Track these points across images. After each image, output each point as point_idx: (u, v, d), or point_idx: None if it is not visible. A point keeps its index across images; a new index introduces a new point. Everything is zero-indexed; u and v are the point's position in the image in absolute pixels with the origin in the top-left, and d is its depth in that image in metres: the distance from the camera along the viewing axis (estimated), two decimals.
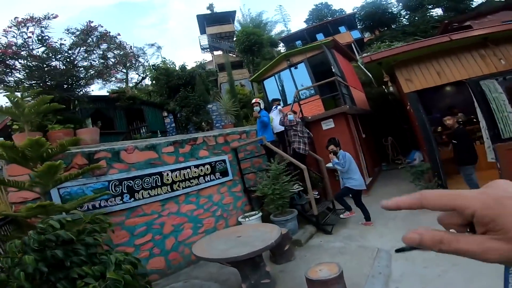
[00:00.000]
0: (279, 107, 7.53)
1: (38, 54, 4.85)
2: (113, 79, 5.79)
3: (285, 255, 3.97)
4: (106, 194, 3.84)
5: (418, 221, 4.51)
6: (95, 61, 5.36)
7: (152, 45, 14.54)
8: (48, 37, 4.83)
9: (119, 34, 5.49)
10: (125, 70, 6.22)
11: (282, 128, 7.21)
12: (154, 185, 4.60)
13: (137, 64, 6.57)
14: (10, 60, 4.60)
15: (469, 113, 7.01)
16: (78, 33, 5.11)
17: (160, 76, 8.63)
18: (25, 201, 3.50)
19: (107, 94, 9.37)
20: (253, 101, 6.29)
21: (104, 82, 6.20)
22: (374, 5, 20.69)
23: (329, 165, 5.60)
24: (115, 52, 5.56)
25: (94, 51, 5.35)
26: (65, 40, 5.06)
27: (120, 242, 4.07)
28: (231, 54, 19.05)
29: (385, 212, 5.38)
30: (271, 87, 9.78)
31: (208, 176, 5.44)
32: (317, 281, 2.51)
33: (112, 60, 5.56)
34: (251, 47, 15.93)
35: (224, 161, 5.84)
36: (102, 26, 5.35)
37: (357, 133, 8.53)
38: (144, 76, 11.91)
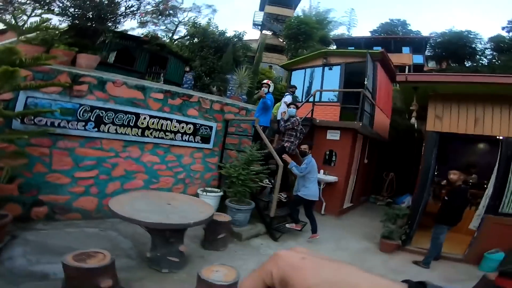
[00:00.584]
0: (287, 97, 7.03)
1: None
2: (147, 21, 5.67)
3: (215, 243, 3.81)
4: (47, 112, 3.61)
5: (362, 260, 4.29)
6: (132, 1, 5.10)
7: (210, 6, 14.08)
8: None
9: None
10: (160, 17, 6.05)
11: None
12: (126, 124, 4.40)
13: (172, 15, 6.32)
14: None
15: (484, 177, 6.29)
16: None
17: (196, 34, 8.37)
18: None
19: (141, 35, 9.33)
20: (264, 81, 5.86)
21: (138, 23, 6.04)
22: (457, 35, 17.71)
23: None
24: None
25: None
26: None
27: (59, 168, 3.91)
28: (278, 38, 18.09)
29: (341, 240, 5.17)
30: (297, 79, 9.19)
31: (187, 136, 5.19)
32: (204, 281, 2.31)
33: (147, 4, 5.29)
34: (297, 36, 14.98)
35: (211, 127, 5.55)
36: None
37: (360, 156, 8.00)
38: (176, 26, 11.44)
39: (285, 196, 5.43)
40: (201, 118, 5.38)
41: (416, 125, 7.65)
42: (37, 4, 4.28)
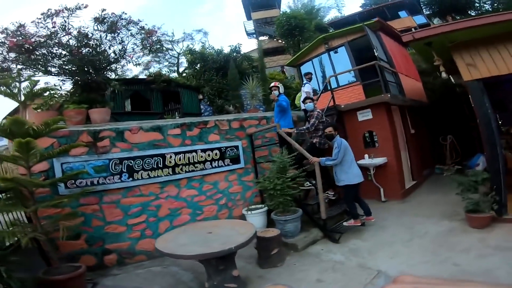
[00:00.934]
0: (306, 86, 6.83)
1: (67, 42, 5.10)
2: (136, 61, 5.98)
3: (271, 260, 3.54)
4: (82, 173, 3.85)
5: (451, 244, 3.56)
6: (116, 46, 5.50)
7: (199, 31, 14.93)
8: (73, 26, 5.05)
9: (140, 21, 5.55)
10: (150, 53, 6.38)
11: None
12: (155, 166, 4.54)
13: (161, 48, 6.63)
14: (40, 49, 4.92)
15: None
16: (105, 21, 5.26)
17: (195, 60, 8.69)
18: (32, 173, 3.68)
19: (145, 77, 9.88)
20: (271, 84, 5.74)
21: (137, 65, 6.44)
22: None
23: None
24: (137, 36, 5.61)
25: (116, 37, 5.48)
26: (87, 29, 5.27)
27: (113, 219, 4.14)
28: (275, 39, 18.25)
29: (415, 225, 4.48)
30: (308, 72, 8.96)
31: (216, 161, 5.19)
32: None
33: (133, 44, 5.64)
34: (291, 31, 14.85)
35: (236, 147, 5.51)
36: (126, 13, 5.44)
37: (403, 128, 7.28)
38: (178, 59, 12.16)
39: (333, 193, 5.03)
40: (223, 141, 5.38)
41: (453, 80, 6.85)
42: (34, 69, 4.72)
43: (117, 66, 5.97)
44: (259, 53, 9.45)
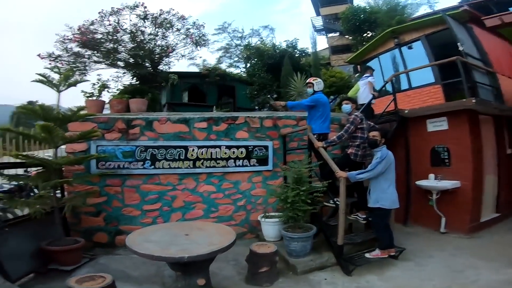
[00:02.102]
0: (370, 78, 5.98)
1: (126, 36, 5.76)
2: (189, 55, 6.48)
3: (259, 278, 3.13)
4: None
5: None
6: (165, 40, 5.94)
7: (266, 27, 14.89)
8: (132, 22, 5.68)
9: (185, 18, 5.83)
10: (196, 47, 6.76)
11: (367, 100, 5.67)
12: (177, 157, 4.63)
13: (206, 42, 6.91)
14: (106, 44, 5.69)
15: None
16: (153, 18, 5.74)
17: (251, 55, 8.63)
18: (73, 152, 4.27)
19: (201, 71, 10.45)
20: (308, 80, 5.07)
21: (181, 59, 6.94)
22: None
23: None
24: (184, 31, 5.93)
25: (167, 33, 5.91)
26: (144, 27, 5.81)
27: (130, 203, 4.42)
28: (346, 37, 16.44)
29: (466, 269, 3.31)
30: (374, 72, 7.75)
31: (241, 160, 4.97)
32: None
33: (181, 39, 5.99)
34: (359, 26, 12.98)
35: (266, 147, 5.15)
36: (173, 9, 5.80)
37: (496, 145, 5.50)
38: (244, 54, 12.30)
39: (364, 216, 4.13)
40: (252, 139, 5.10)
41: None
42: (107, 63, 5.41)
43: (170, 60, 6.41)
44: (312, 47, 8.68)
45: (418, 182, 5.22)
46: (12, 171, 4.05)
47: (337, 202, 3.96)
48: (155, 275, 3.34)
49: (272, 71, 8.27)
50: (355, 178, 3.69)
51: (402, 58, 6.96)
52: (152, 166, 4.53)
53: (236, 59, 14.51)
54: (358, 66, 11.95)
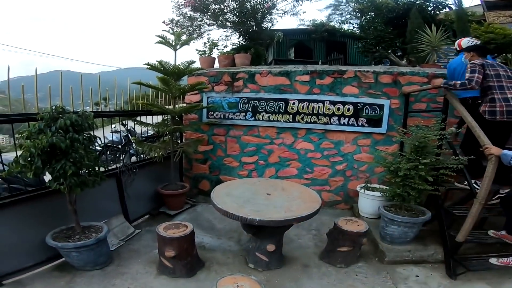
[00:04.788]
0: None
1: None
2: (292, 11, 6.02)
3: (334, 256, 2.80)
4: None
5: None
6: None
7: None
8: None
9: None
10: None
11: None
12: (277, 110, 4.50)
13: None
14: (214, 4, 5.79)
15: None
16: None
17: (365, 9, 6.99)
18: (190, 102, 4.78)
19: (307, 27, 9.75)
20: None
21: (285, 15, 6.51)
22: None
23: None
24: None
25: None
26: None
27: (231, 153, 4.71)
28: None
29: None
30: None
31: (347, 118, 4.35)
32: None
33: None
34: None
35: (380, 106, 4.28)
36: None
37: None
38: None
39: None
40: (363, 96, 4.30)
41: None
42: (216, 25, 5.58)
43: (272, 17, 6.11)
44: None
45: None
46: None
47: (475, 187, 2.90)
48: (235, 231, 3.48)
49: (394, 26, 6.58)
50: (509, 162, 2.50)
51: None
52: (253, 118, 4.58)
53: (348, 16, 12.37)
54: None
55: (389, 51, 6.49)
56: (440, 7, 6.55)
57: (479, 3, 9.41)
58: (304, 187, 3.18)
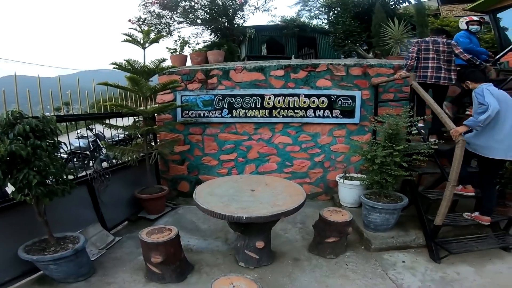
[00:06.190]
0: None
1: None
2: (263, 7, 6.05)
3: (322, 248, 2.84)
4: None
5: None
6: None
7: None
8: None
9: None
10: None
11: None
12: (253, 106, 4.46)
13: None
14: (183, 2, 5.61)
15: None
16: None
17: (333, 5, 7.20)
18: (162, 102, 4.56)
19: (278, 23, 9.99)
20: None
21: (256, 11, 6.53)
22: None
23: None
24: None
25: None
26: None
27: (209, 152, 4.60)
28: None
29: None
30: (510, 23, 5.43)
31: (322, 111, 4.43)
32: None
33: None
34: None
35: (352, 97, 4.42)
36: None
37: None
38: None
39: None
40: (336, 88, 4.41)
41: None
42: (186, 22, 5.42)
43: (244, 14, 6.08)
44: None
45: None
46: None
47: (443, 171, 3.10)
48: (221, 230, 3.42)
49: (360, 20, 6.87)
50: (477, 122, 2.67)
51: None
52: (229, 115, 4.50)
53: (316, 12, 12.75)
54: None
55: (357, 44, 6.72)
56: (401, 1, 6.89)
57: None
58: (287, 181, 3.18)
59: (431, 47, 3.63)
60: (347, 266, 2.69)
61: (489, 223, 2.92)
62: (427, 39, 3.73)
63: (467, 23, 4.32)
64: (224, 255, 2.89)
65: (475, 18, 4.37)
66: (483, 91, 2.72)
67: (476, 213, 2.98)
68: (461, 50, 3.60)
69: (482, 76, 3.08)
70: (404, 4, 7.19)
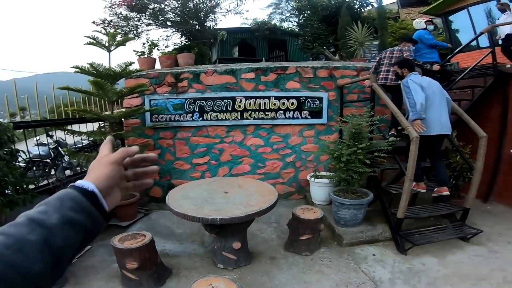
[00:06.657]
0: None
1: None
2: (235, 10, 6.14)
3: (297, 245, 2.97)
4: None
5: None
6: None
7: None
8: None
9: None
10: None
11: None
12: (224, 109, 4.49)
13: None
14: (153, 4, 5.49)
15: None
16: None
17: (303, 7, 7.54)
18: (130, 106, 4.42)
19: (250, 25, 10.18)
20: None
21: (228, 14, 6.59)
22: None
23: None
24: None
25: None
26: None
27: (181, 156, 4.54)
28: None
29: None
30: (460, 25, 6.09)
31: (291, 112, 4.58)
32: None
33: None
34: None
35: (320, 99, 4.62)
36: None
37: None
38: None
39: (424, 190, 3.38)
40: (304, 90, 4.59)
41: None
42: (155, 24, 5.32)
43: (216, 16, 6.09)
44: None
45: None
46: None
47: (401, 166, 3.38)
48: (197, 233, 3.41)
49: (328, 23, 7.23)
50: (419, 113, 3.00)
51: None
52: (201, 118, 4.49)
53: (287, 14, 13.16)
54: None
55: (324, 47, 7.03)
56: (365, 5, 7.33)
57: (395, 0, 10.84)
58: (259, 182, 3.26)
59: (388, 54, 4.23)
60: (322, 262, 2.82)
61: (425, 190, 3.29)
62: (390, 48, 4.34)
63: (426, 22, 4.81)
64: (202, 258, 2.89)
65: (429, 18, 4.91)
66: (408, 82, 3.15)
67: (436, 188, 3.27)
68: (408, 54, 4.05)
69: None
70: (367, 8, 7.65)
